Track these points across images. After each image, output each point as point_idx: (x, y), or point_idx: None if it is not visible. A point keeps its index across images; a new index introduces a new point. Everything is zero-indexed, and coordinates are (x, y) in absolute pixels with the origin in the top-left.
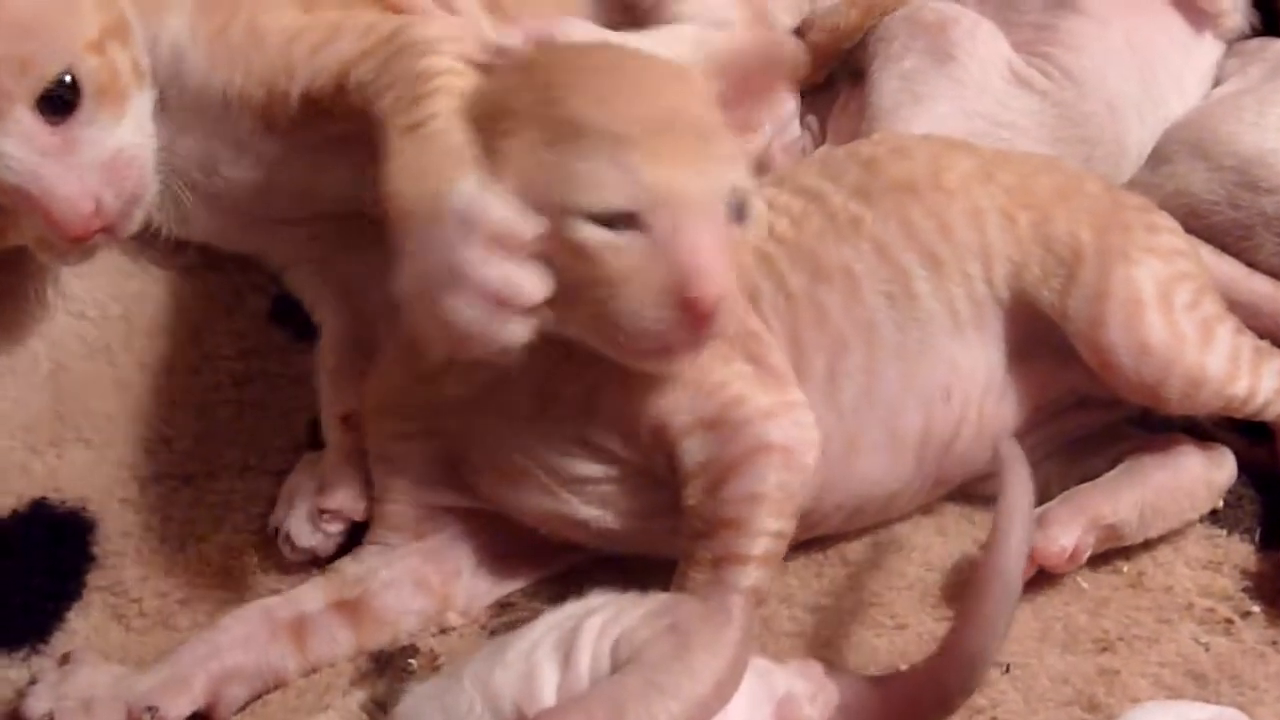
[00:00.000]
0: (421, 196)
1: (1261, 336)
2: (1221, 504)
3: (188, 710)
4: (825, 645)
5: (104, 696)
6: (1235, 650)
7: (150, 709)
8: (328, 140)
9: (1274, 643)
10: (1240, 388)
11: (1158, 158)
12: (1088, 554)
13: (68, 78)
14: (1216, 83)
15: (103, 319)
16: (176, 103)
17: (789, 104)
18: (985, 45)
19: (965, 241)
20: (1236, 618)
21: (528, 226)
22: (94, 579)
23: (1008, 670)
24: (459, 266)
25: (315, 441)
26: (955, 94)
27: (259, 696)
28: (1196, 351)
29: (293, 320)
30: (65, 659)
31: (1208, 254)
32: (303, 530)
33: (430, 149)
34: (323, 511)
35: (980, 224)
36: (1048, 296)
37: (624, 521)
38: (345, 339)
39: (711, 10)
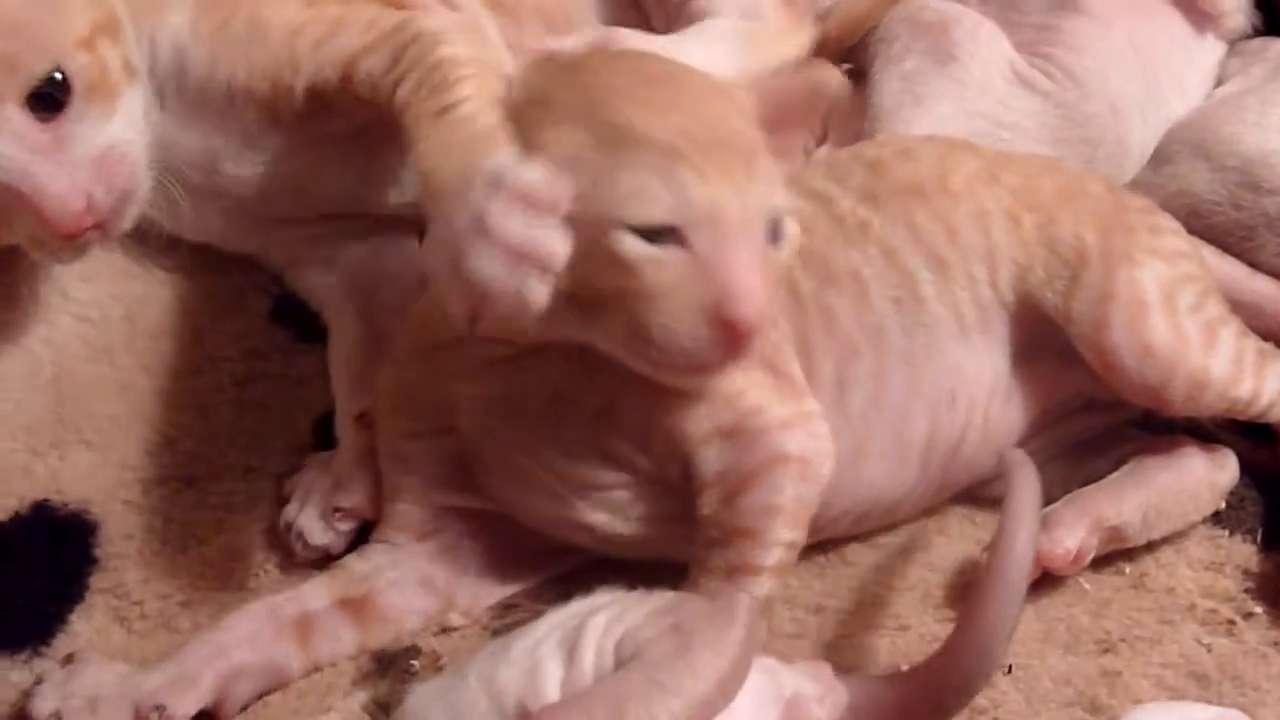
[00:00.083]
0: (455, 172)
1: (1264, 337)
2: (1224, 505)
3: (195, 709)
4: (827, 646)
5: (110, 695)
6: (1237, 651)
7: (158, 708)
8: (330, 136)
9: (1276, 644)
10: (1244, 390)
11: (1160, 158)
12: (1091, 556)
13: (57, 75)
14: (1218, 83)
15: (105, 321)
16: (177, 100)
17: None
18: (987, 46)
19: (971, 244)
20: (1239, 619)
21: (557, 189)
22: (96, 581)
23: (1010, 671)
24: (484, 221)
25: (318, 442)
26: (957, 95)
27: (263, 694)
28: (1200, 354)
29: (295, 320)
30: (69, 659)
31: (1209, 254)
32: (315, 528)
33: (463, 130)
34: (336, 510)
35: (986, 226)
36: (1051, 299)
37: (634, 527)
38: (356, 338)
39: (740, 2)
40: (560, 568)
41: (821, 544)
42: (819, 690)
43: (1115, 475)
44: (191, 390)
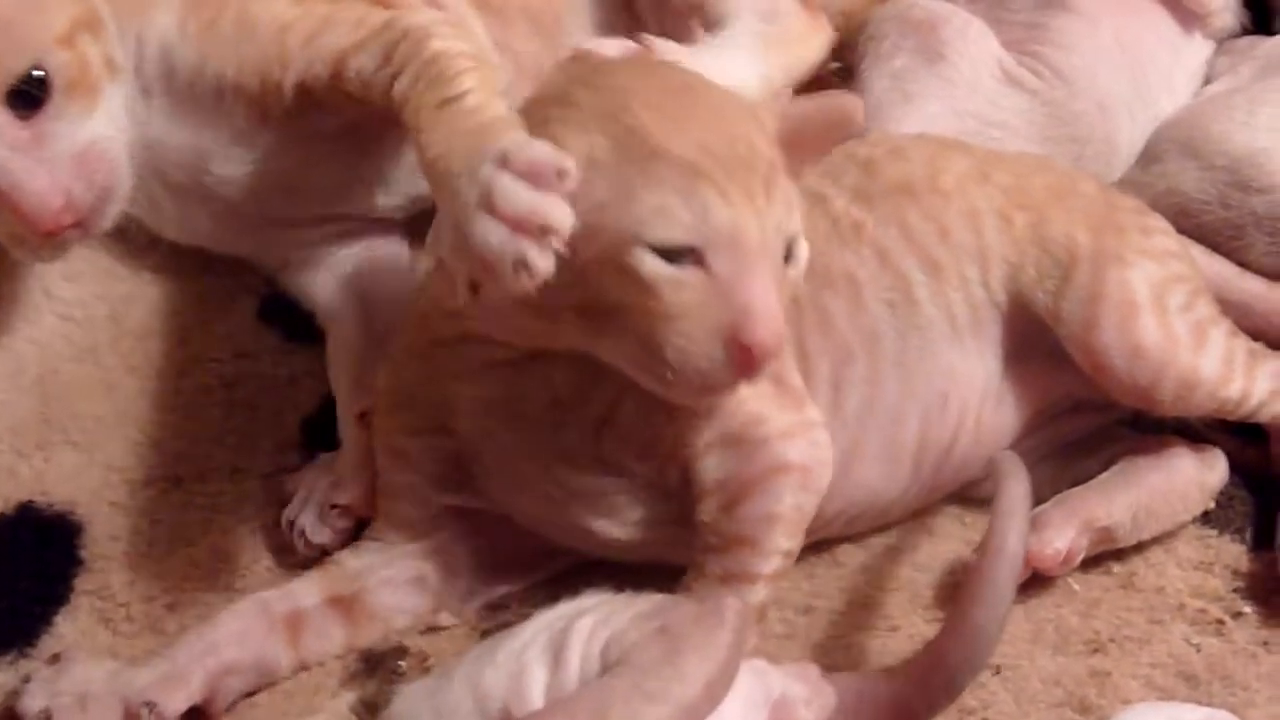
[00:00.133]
0: (465, 154)
1: (1254, 336)
2: (1213, 505)
3: (185, 706)
4: (816, 647)
5: (100, 692)
6: (1227, 651)
7: (148, 705)
8: (319, 134)
9: (1265, 643)
10: (1234, 390)
11: (1149, 156)
12: (1081, 556)
13: (37, 72)
14: (1207, 81)
15: (90, 320)
16: (165, 99)
17: None
18: (976, 44)
19: (963, 244)
20: (1228, 618)
21: (567, 163)
22: (81, 583)
23: (998, 672)
24: (490, 191)
25: (307, 442)
26: (946, 93)
27: (253, 691)
28: (1190, 354)
29: (282, 320)
30: (54, 659)
31: (1199, 253)
32: (316, 527)
33: (471, 119)
34: (333, 506)
35: (977, 226)
36: (1042, 299)
37: (631, 531)
38: (355, 338)
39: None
40: (554, 568)
41: (811, 545)
42: (807, 692)
43: (1105, 475)
44: (178, 390)
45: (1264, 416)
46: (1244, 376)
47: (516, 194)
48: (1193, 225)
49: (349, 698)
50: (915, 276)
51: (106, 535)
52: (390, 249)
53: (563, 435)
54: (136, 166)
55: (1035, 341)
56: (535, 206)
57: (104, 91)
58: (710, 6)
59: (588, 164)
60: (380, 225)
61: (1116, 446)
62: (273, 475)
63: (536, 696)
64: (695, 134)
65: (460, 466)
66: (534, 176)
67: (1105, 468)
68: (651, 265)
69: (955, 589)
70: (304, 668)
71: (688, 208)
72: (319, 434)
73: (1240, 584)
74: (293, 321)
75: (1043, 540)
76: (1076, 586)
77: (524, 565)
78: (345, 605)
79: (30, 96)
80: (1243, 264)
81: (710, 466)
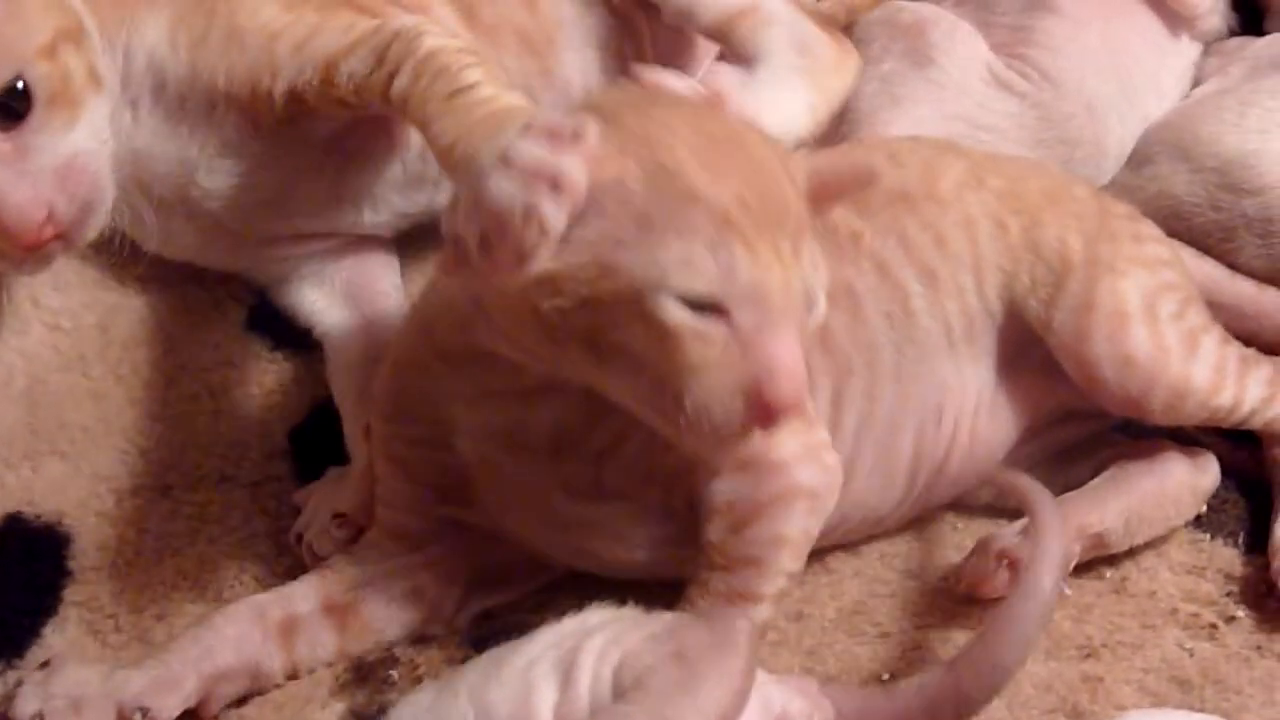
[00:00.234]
0: (484, 138)
1: (1245, 339)
2: (1205, 509)
3: (179, 710)
4: (808, 654)
5: (94, 696)
6: (1220, 655)
7: (142, 709)
8: (307, 145)
9: (1259, 647)
10: (1225, 398)
11: (1139, 159)
12: (1073, 562)
13: (18, 84)
14: (1196, 82)
15: (77, 330)
16: (153, 112)
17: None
18: (964, 47)
19: (959, 253)
20: (1221, 623)
21: (586, 125)
22: (70, 594)
23: None
24: (507, 149)
25: (294, 451)
26: (934, 97)
27: (245, 697)
28: (1181, 363)
29: (270, 330)
30: (45, 666)
31: (1190, 256)
32: (323, 541)
33: (485, 108)
34: (335, 515)
35: (973, 234)
36: (1035, 308)
37: (635, 553)
38: (354, 352)
39: (793, 31)
40: (550, 578)
41: None
42: (807, 707)
43: (1097, 481)
44: (166, 400)
45: (1256, 423)
46: (1235, 384)
47: (531, 150)
48: (1184, 228)
49: (339, 708)
50: (913, 287)
51: (95, 545)
52: (381, 263)
53: (565, 466)
54: (120, 179)
55: (1027, 352)
56: (550, 159)
57: (87, 104)
58: (743, 42)
59: (615, 186)
60: (368, 242)
61: (1108, 451)
62: (261, 484)
63: (544, 716)
64: (732, 185)
65: (460, 481)
66: (552, 137)
67: (1096, 473)
68: (676, 314)
69: (945, 595)
70: (295, 674)
71: (715, 260)
72: (307, 443)
73: (1233, 588)
74: (281, 331)
75: None
76: (1069, 591)
77: (521, 576)
78: (340, 613)
79: (11, 109)
80: (1234, 266)
81: (721, 489)
